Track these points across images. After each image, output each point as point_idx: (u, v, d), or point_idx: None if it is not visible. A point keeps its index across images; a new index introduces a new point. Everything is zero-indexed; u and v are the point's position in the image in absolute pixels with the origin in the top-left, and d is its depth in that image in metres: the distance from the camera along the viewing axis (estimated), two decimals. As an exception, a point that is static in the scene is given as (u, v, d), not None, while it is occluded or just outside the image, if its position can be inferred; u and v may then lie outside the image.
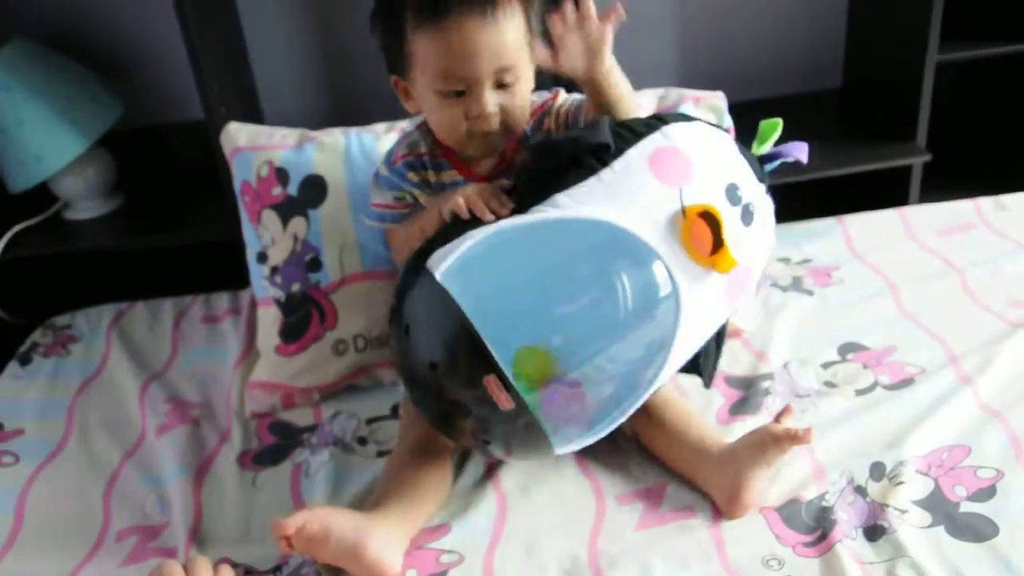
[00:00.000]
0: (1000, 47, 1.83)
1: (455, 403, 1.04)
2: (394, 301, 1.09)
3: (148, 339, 1.68)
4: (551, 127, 1.25)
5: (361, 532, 1.06)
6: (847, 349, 1.43)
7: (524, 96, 1.18)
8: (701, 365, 1.20)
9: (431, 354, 1.03)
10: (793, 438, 1.10)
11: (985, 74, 2.08)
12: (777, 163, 1.23)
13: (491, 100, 1.13)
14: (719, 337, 1.19)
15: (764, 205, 1.18)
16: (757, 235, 1.15)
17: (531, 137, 1.26)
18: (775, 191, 1.23)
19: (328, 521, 1.06)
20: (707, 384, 1.24)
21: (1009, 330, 1.42)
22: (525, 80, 1.17)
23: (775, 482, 1.16)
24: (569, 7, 1.11)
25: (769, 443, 1.11)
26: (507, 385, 0.98)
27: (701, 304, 1.08)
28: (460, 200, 1.08)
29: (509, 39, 1.12)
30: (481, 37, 1.10)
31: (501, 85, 1.14)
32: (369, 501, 1.19)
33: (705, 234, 1.05)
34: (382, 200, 1.30)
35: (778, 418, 1.16)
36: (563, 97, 1.27)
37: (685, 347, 1.10)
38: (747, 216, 1.12)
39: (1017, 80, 1.99)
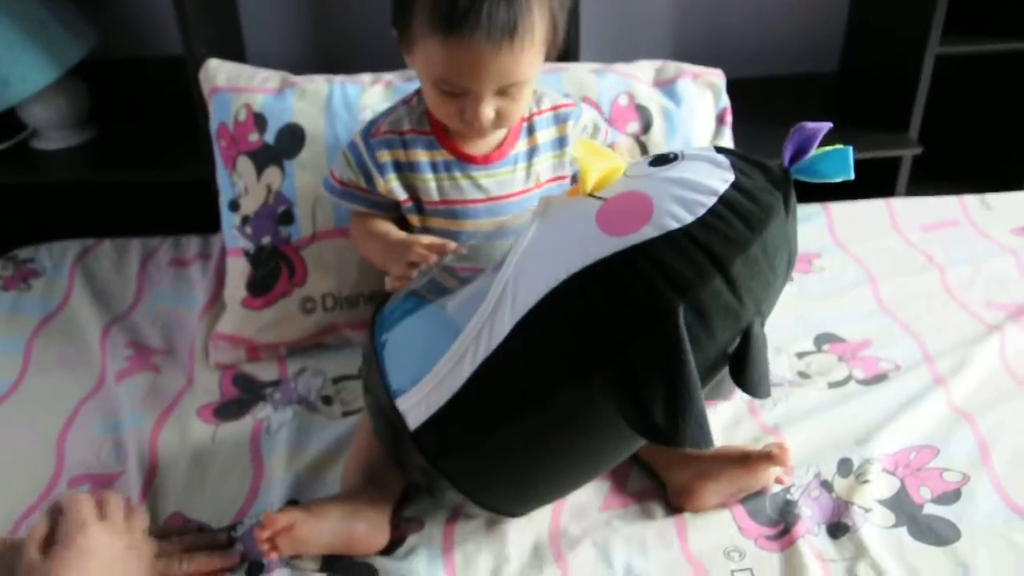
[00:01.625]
0: (1001, 43, 1.81)
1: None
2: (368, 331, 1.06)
3: (113, 279, 1.64)
4: (567, 135, 1.24)
5: (348, 523, 1.05)
6: (823, 340, 1.42)
7: (525, 99, 1.14)
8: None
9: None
10: (768, 459, 1.12)
11: (981, 70, 2.06)
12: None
13: (489, 106, 1.10)
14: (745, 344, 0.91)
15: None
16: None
17: (538, 128, 1.23)
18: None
19: (314, 522, 1.03)
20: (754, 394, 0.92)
21: (985, 332, 1.42)
22: (529, 86, 1.12)
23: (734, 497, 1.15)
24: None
25: (741, 471, 1.12)
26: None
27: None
28: (422, 253, 1.07)
29: (522, 63, 1.06)
30: (491, 61, 1.04)
31: (502, 92, 1.10)
32: (344, 477, 1.16)
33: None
34: (345, 177, 1.24)
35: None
36: (590, 118, 1.28)
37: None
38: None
39: (1012, 79, 1.98)
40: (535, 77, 1.13)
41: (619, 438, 0.93)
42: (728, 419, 1.26)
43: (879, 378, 1.34)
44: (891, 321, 1.46)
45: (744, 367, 0.87)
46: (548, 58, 1.12)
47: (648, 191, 0.89)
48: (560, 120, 1.24)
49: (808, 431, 1.24)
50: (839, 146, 0.89)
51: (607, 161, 0.94)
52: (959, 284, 1.54)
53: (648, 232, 0.85)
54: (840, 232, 1.69)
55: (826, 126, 0.89)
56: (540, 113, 1.23)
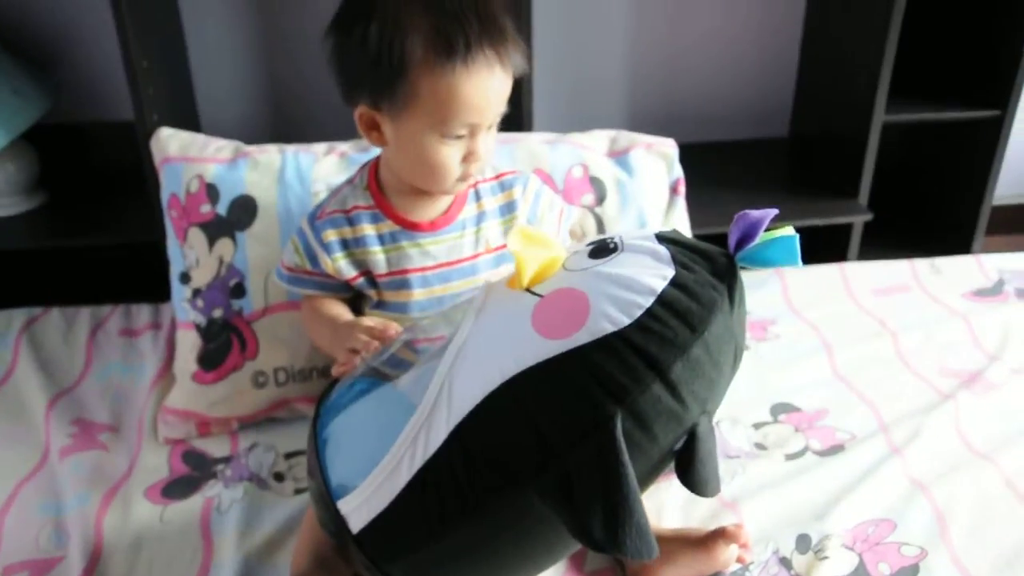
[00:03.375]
0: (944, 112, 1.85)
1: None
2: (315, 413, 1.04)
3: (60, 350, 1.60)
4: (518, 201, 1.24)
5: None
6: (779, 409, 1.42)
7: (494, 135, 1.15)
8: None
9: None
10: (726, 538, 1.10)
11: (929, 136, 2.10)
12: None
13: (485, 143, 1.11)
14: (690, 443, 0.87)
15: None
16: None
17: (485, 195, 1.23)
18: (718, 239, 1.13)
19: None
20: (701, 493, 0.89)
21: (939, 400, 1.43)
22: None
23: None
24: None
25: (700, 553, 1.10)
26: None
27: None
28: (364, 340, 1.05)
29: (508, 88, 1.09)
30: (496, 84, 1.06)
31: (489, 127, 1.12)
32: (294, 561, 1.12)
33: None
34: (292, 262, 1.24)
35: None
36: (537, 186, 1.27)
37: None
38: None
39: (960, 144, 2.02)
40: None
41: (565, 538, 0.90)
42: (685, 495, 1.24)
43: (835, 449, 1.33)
44: (846, 389, 1.46)
45: (690, 467, 0.84)
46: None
47: (585, 289, 0.85)
48: (506, 187, 1.25)
49: (766, 505, 1.23)
50: (786, 231, 0.86)
51: (545, 252, 0.91)
52: (912, 350, 1.56)
53: (583, 336, 0.81)
54: (794, 298, 1.70)
55: (771, 213, 0.86)
56: (485, 181, 1.24)
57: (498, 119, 1.12)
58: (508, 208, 1.25)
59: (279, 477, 1.31)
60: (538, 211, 1.27)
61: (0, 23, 1.83)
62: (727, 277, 0.86)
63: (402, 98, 1.06)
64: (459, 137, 1.09)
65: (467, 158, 1.11)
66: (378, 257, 1.20)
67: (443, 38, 1.02)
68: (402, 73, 1.04)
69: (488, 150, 1.13)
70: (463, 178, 1.13)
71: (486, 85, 1.05)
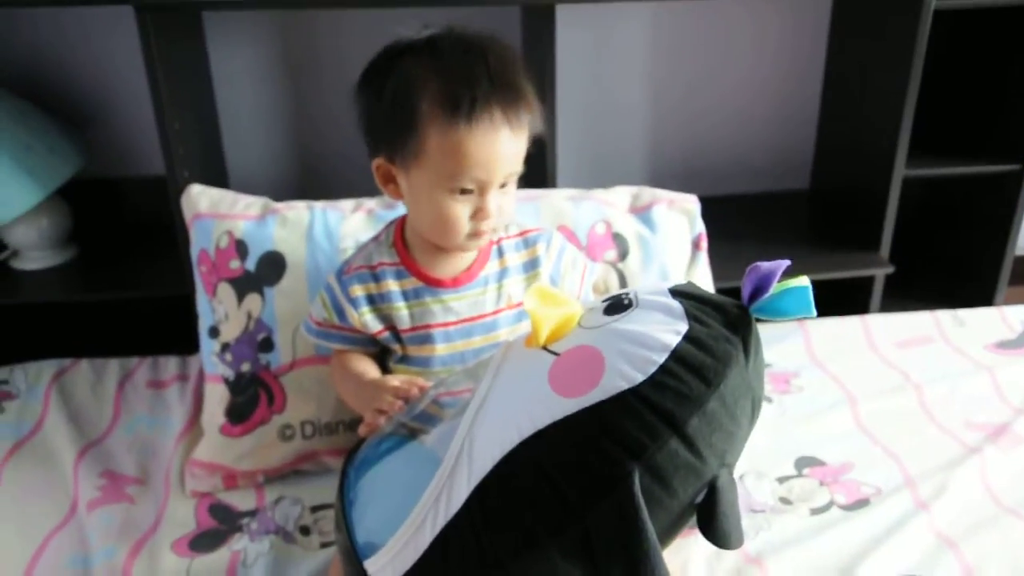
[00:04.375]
0: (964, 167, 1.86)
1: None
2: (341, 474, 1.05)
3: (89, 401, 1.62)
4: (542, 257, 1.26)
5: None
6: (804, 463, 1.41)
7: (513, 195, 1.17)
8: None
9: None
10: None
11: (948, 189, 2.11)
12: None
13: (495, 202, 1.12)
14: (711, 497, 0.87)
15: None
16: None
17: (507, 251, 1.25)
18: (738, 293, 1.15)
19: None
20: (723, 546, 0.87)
21: (965, 454, 1.42)
22: (516, 178, 1.16)
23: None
24: None
25: None
26: None
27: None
28: (390, 401, 1.07)
29: (522, 147, 1.11)
30: (506, 144, 1.08)
31: (502, 185, 1.12)
32: None
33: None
34: (320, 317, 1.27)
35: None
36: (560, 244, 1.29)
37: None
38: None
39: (980, 197, 2.02)
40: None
41: None
42: (710, 550, 1.23)
43: (861, 503, 1.32)
44: (871, 443, 1.45)
45: (712, 520, 0.84)
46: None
47: (600, 346, 0.86)
48: (529, 244, 1.27)
49: (791, 561, 1.22)
50: (798, 281, 0.86)
51: (561, 310, 0.92)
52: (936, 403, 1.55)
53: (598, 394, 0.82)
54: (817, 350, 1.70)
55: (783, 264, 0.86)
56: (508, 238, 1.26)
57: (512, 178, 1.13)
58: (531, 265, 1.26)
59: (305, 531, 1.31)
60: (561, 268, 1.28)
61: (38, 83, 1.88)
62: (741, 329, 0.87)
63: (412, 152, 1.10)
64: (467, 193, 1.10)
65: (476, 215, 1.12)
66: (402, 313, 1.22)
67: (450, 96, 1.05)
68: (412, 127, 1.08)
69: (503, 208, 1.14)
70: (475, 235, 1.14)
71: (493, 144, 1.07)
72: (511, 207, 1.17)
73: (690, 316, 0.87)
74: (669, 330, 0.86)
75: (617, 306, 0.92)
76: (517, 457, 0.84)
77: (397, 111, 1.09)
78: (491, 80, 1.06)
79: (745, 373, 0.86)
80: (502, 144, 1.08)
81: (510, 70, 1.09)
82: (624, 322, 0.89)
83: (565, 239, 1.32)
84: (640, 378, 0.82)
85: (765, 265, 0.86)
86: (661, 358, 0.83)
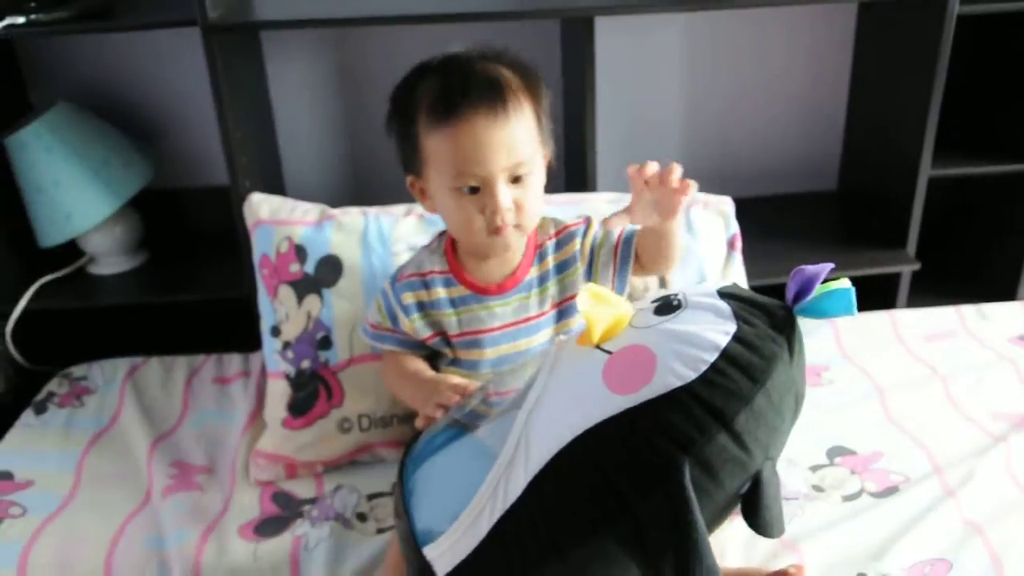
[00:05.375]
0: (988, 166, 1.83)
1: None
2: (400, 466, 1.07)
3: (160, 396, 1.65)
4: (577, 252, 1.23)
5: None
6: (835, 452, 1.41)
7: (538, 191, 1.16)
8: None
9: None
10: None
11: (973, 188, 2.08)
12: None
13: (506, 195, 1.11)
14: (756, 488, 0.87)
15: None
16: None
17: (548, 254, 1.23)
18: (771, 290, 1.14)
19: None
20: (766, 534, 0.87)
21: (991, 443, 1.41)
22: (538, 175, 1.15)
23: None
24: (652, 165, 1.04)
25: None
26: None
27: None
28: (450, 396, 1.08)
29: (520, 135, 1.10)
30: (493, 134, 1.08)
31: (515, 179, 1.12)
32: None
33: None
34: (375, 320, 1.30)
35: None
36: (595, 230, 1.24)
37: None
38: None
39: (1002, 196, 1.99)
40: (540, 169, 1.15)
41: None
42: (747, 535, 1.22)
43: (890, 491, 1.32)
44: (900, 433, 1.44)
45: (756, 509, 0.84)
46: (548, 172, 1.17)
47: (652, 346, 0.87)
48: (566, 241, 1.24)
49: (825, 546, 1.21)
50: (841, 283, 0.86)
51: (613, 309, 0.92)
52: (962, 394, 1.53)
53: (651, 391, 0.82)
54: (846, 344, 1.69)
55: (827, 267, 0.86)
56: (550, 238, 1.25)
57: (524, 171, 1.11)
58: (567, 264, 1.24)
59: (362, 517, 1.33)
60: (596, 246, 1.23)
61: (113, 102, 1.92)
62: (786, 330, 0.87)
63: (421, 162, 1.13)
64: (474, 191, 1.11)
65: (486, 211, 1.11)
66: (451, 319, 1.23)
67: (436, 101, 1.09)
68: (415, 139, 1.12)
69: (523, 204, 1.12)
70: (493, 232, 1.13)
71: (479, 135, 1.08)
72: (535, 204, 1.15)
73: (738, 317, 0.88)
74: (719, 330, 0.86)
75: (667, 307, 0.92)
76: (572, 451, 0.85)
77: (403, 128, 1.14)
78: (468, 79, 1.09)
79: (790, 371, 0.86)
80: (487, 134, 1.08)
81: (492, 67, 1.11)
82: (674, 322, 0.89)
83: (598, 230, 1.26)
84: (692, 376, 0.83)
85: (810, 268, 0.86)
86: (712, 357, 0.84)
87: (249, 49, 1.82)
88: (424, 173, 1.15)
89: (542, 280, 1.24)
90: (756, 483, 0.85)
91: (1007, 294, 1.95)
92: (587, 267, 1.23)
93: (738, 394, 0.82)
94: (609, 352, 0.89)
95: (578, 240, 1.24)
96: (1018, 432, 1.42)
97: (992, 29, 1.92)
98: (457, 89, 1.08)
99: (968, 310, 1.79)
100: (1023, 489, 1.30)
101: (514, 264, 1.23)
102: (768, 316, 0.88)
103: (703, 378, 0.82)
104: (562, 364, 0.94)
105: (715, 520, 0.87)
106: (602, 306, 0.92)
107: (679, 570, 0.80)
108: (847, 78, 2.05)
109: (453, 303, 1.23)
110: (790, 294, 0.88)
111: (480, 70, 1.10)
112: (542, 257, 1.24)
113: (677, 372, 0.83)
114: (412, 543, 0.95)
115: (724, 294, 0.92)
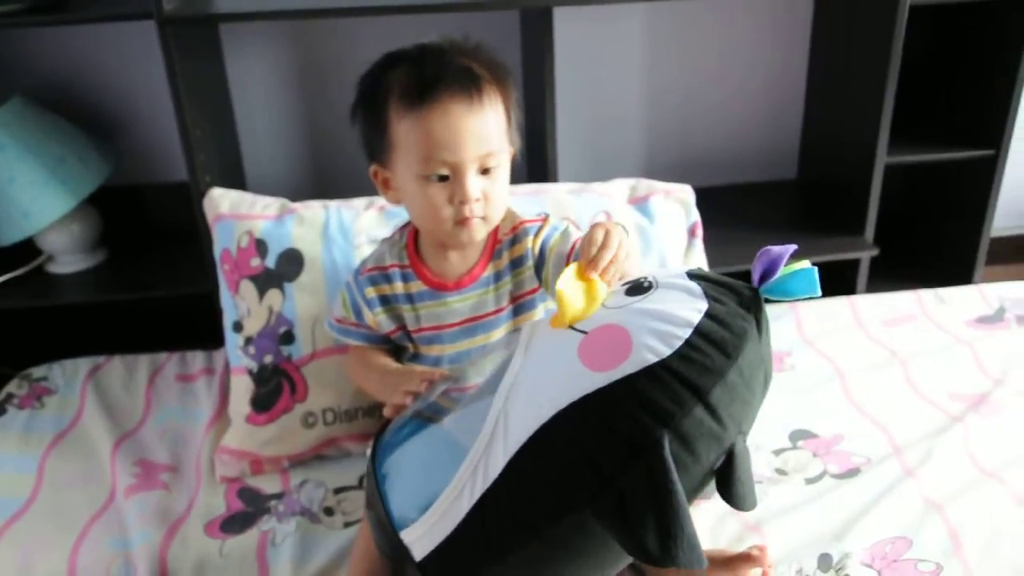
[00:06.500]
0: (943, 153, 1.86)
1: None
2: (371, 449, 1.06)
3: (122, 395, 1.63)
4: (529, 250, 1.21)
5: None
6: (798, 436, 1.42)
7: (504, 184, 1.15)
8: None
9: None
10: (750, 560, 1.11)
11: (928, 175, 2.11)
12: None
13: (475, 185, 1.10)
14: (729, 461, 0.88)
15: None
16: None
17: (504, 250, 1.22)
18: (734, 277, 1.10)
19: None
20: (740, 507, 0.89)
21: (948, 423, 1.43)
22: (505, 168, 1.15)
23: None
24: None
25: (726, 574, 1.11)
26: None
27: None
28: (418, 385, 1.08)
29: (492, 125, 1.10)
30: (466, 121, 1.08)
31: (484, 171, 1.11)
32: None
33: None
34: (340, 315, 1.29)
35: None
36: (550, 228, 1.22)
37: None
38: None
39: (957, 182, 2.03)
40: (507, 163, 1.15)
41: (617, 553, 0.92)
42: (713, 518, 1.25)
43: (852, 472, 1.33)
44: (860, 415, 1.46)
45: (730, 483, 0.86)
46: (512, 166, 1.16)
47: (626, 324, 0.88)
48: (521, 238, 1.22)
49: (788, 527, 1.23)
50: (804, 264, 0.88)
51: (586, 292, 0.93)
52: (921, 376, 1.55)
53: (628, 367, 0.84)
54: (807, 330, 1.71)
55: (790, 248, 0.88)
56: (508, 233, 1.23)
57: (493, 162, 1.11)
58: (520, 261, 1.22)
59: (329, 511, 1.32)
60: (547, 247, 1.21)
61: (68, 97, 1.89)
62: (754, 308, 0.89)
63: (388, 148, 1.12)
64: (443, 179, 1.10)
65: (455, 199, 1.11)
66: (409, 314, 1.23)
67: (408, 87, 1.08)
68: (383, 124, 1.11)
69: (491, 196, 1.12)
70: (460, 222, 1.12)
71: (452, 122, 1.07)
72: (502, 197, 1.15)
73: (708, 296, 0.89)
74: (691, 308, 0.87)
75: (638, 288, 0.93)
76: (552, 428, 0.85)
77: (372, 115, 1.12)
78: (444, 67, 1.08)
79: (759, 348, 0.88)
80: (461, 121, 1.07)
81: (466, 59, 1.11)
82: (647, 302, 0.90)
83: (559, 223, 1.25)
84: (667, 351, 0.84)
85: (775, 249, 0.88)
86: (685, 333, 0.85)
87: (208, 42, 1.80)
88: (390, 161, 1.14)
89: (498, 276, 1.23)
90: (730, 457, 0.86)
91: (963, 278, 1.98)
92: (536, 266, 1.21)
93: (713, 369, 0.83)
94: (584, 332, 0.90)
95: (530, 238, 1.22)
96: (975, 412, 1.45)
97: (945, 19, 1.95)
98: (432, 75, 1.07)
99: (926, 294, 1.81)
100: (980, 467, 1.33)
101: (473, 260, 1.22)
102: (736, 295, 0.90)
103: (678, 353, 0.84)
104: (536, 345, 0.94)
105: (691, 495, 0.87)
106: (576, 288, 0.93)
107: (661, 541, 0.80)
108: (805, 69, 2.07)
109: (411, 298, 1.23)
110: (756, 274, 0.89)
111: (455, 60, 1.10)
112: (499, 253, 1.23)
113: (653, 348, 0.84)
114: (388, 529, 0.95)
115: (693, 275, 0.94)
